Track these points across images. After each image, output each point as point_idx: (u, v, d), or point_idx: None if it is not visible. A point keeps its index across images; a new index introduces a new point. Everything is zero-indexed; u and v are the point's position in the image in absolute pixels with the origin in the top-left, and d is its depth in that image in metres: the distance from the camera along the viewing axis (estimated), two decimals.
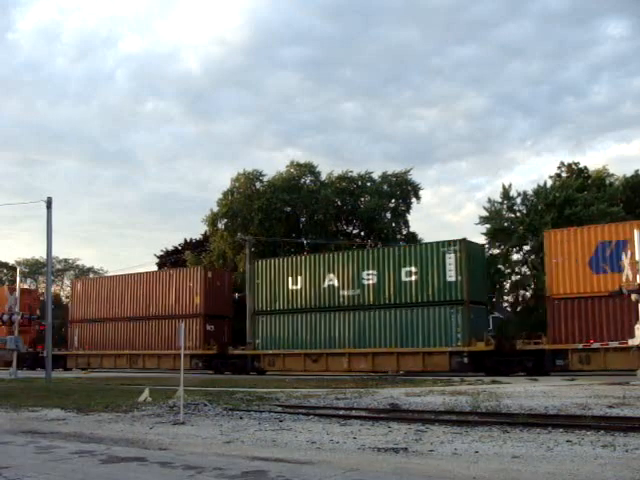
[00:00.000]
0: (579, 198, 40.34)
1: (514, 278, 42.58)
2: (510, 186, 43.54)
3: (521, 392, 16.72)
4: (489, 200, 43.66)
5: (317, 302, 32.33)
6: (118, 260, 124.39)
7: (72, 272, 73.86)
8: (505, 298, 45.90)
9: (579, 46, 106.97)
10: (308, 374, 31.22)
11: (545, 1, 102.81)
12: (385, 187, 50.66)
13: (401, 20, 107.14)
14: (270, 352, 33.38)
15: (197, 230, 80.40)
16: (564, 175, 47.04)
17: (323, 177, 51.71)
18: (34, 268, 70.81)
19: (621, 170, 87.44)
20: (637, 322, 22.61)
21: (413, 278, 29.74)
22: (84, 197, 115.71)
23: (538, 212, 40.76)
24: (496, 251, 41.92)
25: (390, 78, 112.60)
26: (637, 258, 22.59)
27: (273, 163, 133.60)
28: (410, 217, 51.99)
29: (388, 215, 51.17)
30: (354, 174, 51.36)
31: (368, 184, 50.90)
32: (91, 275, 66.05)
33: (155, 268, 55.34)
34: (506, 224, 41.84)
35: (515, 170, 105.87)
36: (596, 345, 25.32)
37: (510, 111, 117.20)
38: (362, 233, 52.43)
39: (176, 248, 58.95)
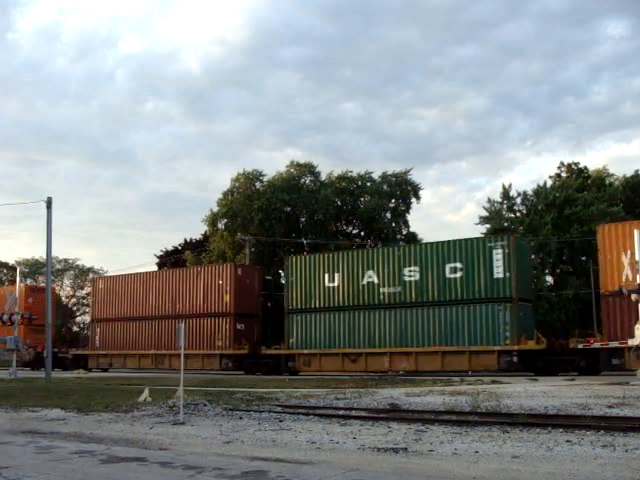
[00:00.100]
0: (579, 198, 40.41)
1: None
2: (510, 186, 43.71)
3: (521, 392, 16.73)
4: (489, 200, 43.82)
5: (355, 300, 31.23)
6: (118, 260, 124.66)
7: (72, 272, 74.00)
8: None
9: (579, 46, 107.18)
10: (346, 374, 30.47)
11: (545, 1, 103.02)
12: (385, 187, 50.72)
13: (401, 20, 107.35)
14: (306, 352, 32.16)
15: (197, 230, 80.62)
16: (564, 175, 47.14)
17: (323, 177, 51.82)
18: (34, 268, 70.75)
19: (621, 170, 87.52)
20: (637, 322, 22.64)
21: (458, 275, 28.78)
22: (84, 197, 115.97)
23: (538, 212, 40.84)
24: None
25: (390, 78, 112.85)
26: (637, 258, 22.60)
27: (273, 163, 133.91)
28: (410, 217, 52.23)
29: (388, 215, 51.24)
30: (354, 174, 51.47)
31: (368, 184, 50.96)
32: (91, 275, 66.20)
33: (155, 268, 55.40)
34: (506, 224, 41.91)
35: (515, 170, 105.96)
36: None
37: (510, 111, 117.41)
38: (362, 233, 52.49)
39: (176, 248, 59.05)
